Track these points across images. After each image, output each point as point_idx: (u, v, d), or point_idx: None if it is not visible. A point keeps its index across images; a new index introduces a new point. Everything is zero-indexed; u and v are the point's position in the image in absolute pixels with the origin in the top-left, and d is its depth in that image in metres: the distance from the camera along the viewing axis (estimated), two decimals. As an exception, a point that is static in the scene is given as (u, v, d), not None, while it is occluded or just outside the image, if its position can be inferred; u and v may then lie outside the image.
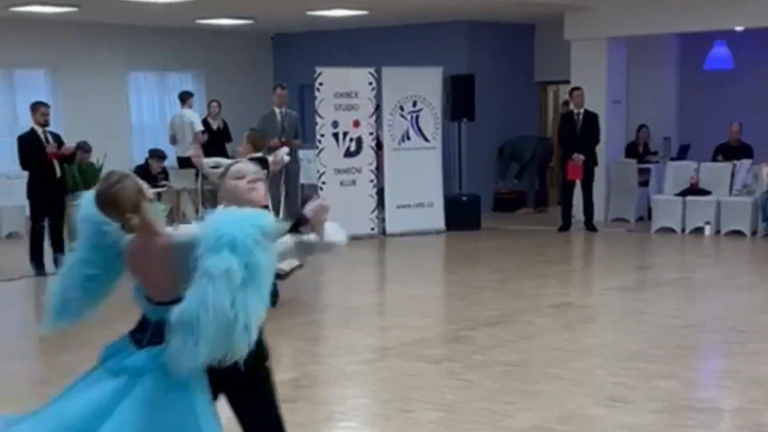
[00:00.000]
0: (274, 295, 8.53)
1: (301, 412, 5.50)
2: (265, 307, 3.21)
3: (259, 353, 3.43)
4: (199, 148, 9.22)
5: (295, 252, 3.66)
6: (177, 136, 14.19)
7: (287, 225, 3.43)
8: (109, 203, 3.28)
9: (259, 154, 8.78)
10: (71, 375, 6.35)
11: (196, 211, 12.28)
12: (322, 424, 5.39)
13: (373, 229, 13.61)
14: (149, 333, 3.36)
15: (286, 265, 8.60)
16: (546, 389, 5.94)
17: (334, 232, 3.63)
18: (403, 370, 6.49)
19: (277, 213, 9.17)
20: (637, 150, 14.93)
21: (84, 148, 11.61)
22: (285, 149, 9.05)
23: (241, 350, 3.11)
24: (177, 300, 3.16)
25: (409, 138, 13.90)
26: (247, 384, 3.45)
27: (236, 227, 3.19)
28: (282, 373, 6.32)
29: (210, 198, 10.31)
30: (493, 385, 6.04)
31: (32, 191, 10.69)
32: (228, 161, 8.55)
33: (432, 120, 13.97)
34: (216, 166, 8.37)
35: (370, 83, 13.55)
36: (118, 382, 3.27)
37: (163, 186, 11.94)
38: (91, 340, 7.34)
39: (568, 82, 14.84)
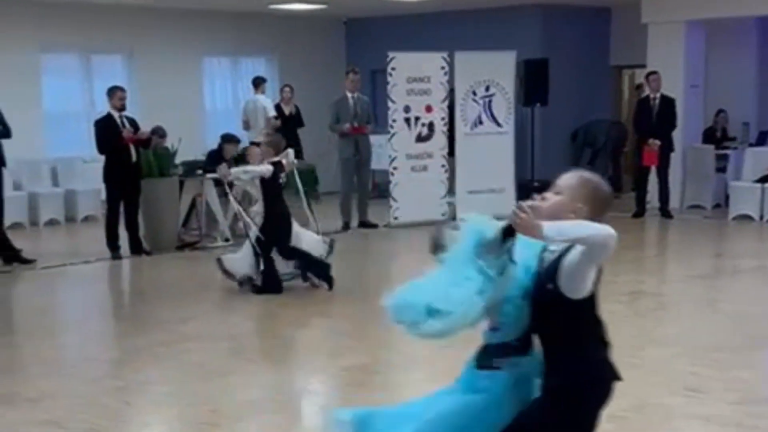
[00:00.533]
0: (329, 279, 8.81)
1: (374, 398, 5.50)
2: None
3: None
4: (226, 167, 9.44)
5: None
6: (250, 121, 14.27)
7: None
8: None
9: (278, 158, 8.98)
10: (144, 356, 6.48)
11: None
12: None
13: (443, 214, 13.56)
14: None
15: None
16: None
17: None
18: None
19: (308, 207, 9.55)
20: (715, 135, 14.64)
21: (159, 133, 11.73)
22: (291, 151, 9.30)
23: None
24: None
25: (481, 123, 13.80)
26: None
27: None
28: (355, 359, 6.35)
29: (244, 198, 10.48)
30: (566, 373, 5.97)
31: (108, 175, 10.85)
32: (255, 168, 8.82)
33: (505, 105, 13.86)
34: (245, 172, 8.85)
35: (443, 68, 13.49)
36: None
37: (236, 170, 12.01)
38: (162, 323, 7.49)
39: (644, 66, 14.60)
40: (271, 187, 8.76)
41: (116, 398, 5.56)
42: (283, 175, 8.94)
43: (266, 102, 14.24)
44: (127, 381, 5.94)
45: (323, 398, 5.65)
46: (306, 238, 9.03)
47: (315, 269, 8.88)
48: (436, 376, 6.04)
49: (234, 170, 9.06)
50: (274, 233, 8.71)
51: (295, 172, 9.52)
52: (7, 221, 11.26)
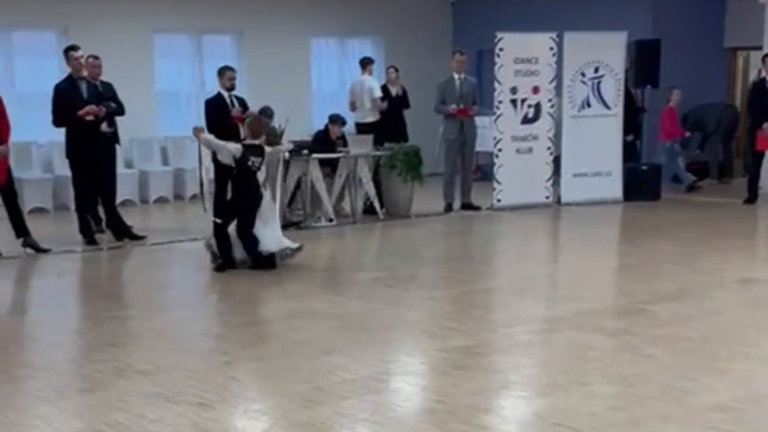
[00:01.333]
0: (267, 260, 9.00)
1: (476, 380, 5.50)
2: None
3: None
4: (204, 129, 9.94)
5: None
6: (356, 102, 14.34)
7: None
8: None
9: (257, 142, 9.21)
10: (250, 333, 6.58)
11: (373, 177, 12.40)
12: (497, 392, 5.36)
13: (548, 197, 13.45)
14: None
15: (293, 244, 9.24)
16: (732, 367, 5.71)
17: None
18: (579, 341, 6.38)
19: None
20: (833, 120, 14.13)
21: (266, 113, 11.85)
22: (287, 146, 9.95)
23: None
24: None
25: (589, 105, 13.62)
26: None
27: None
28: (456, 340, 6.36)
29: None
30: (675, 361, 5.86)
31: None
32: (221, 144, 9.25)
33: (614, 86, 13.63)
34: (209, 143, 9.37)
35: (551, 48, 13.33)
36: None
37: (340, 152, 12.09)
38: (267, 301, 7.60)
39: (760, 48, 14.17)
40: (240, 167, 9.04)
41: (223, 373, 5.67)
42: (258, 160, 9.09)
43: (373, 83, 14.26)
44: (234, 356, 6.05)
45: (425, 379, 5.65)
46: (268, 229, 9.16)
47: (249, 249, 9.05)
48: (539, 360, 6.02)
49: (207, 137, 9.43)
50: (231, 210, 9.08)
51: (280, 167, 9.75)
52: (119, 198, 11.57)
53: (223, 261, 8.98)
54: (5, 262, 9.68)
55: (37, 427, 4.77)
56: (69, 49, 10.60)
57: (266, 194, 9.18)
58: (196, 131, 9.53)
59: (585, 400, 5.09)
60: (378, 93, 13.99)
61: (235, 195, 9.15)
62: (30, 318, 7.68)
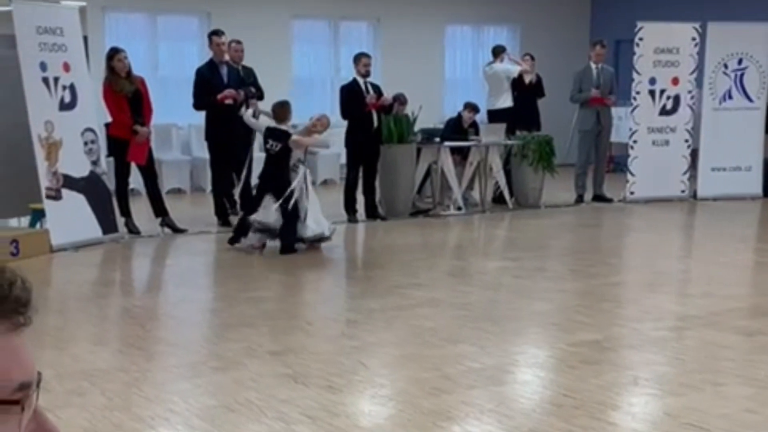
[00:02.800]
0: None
1: (605, 376, 5.43)
2: None
3: None
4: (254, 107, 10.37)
5: None
6: (490, 90, 14.19)
7: None
8: None
9: (282, 126, 9.23)
10: (378, 319, 6.65)
11: (504, 166, 12.34)
12: (626, 388, 5.28)
13: (683, 191, 13.12)
14: None
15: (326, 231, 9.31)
16: None
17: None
18: (713, 340, 6.22)
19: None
20: None
21: (401, 99, 11.93)
22: (327, 140, 9.93)
23: None
24: None
25: (731, 97, 13.21)
26: None
27: None
28: (585, 334, 6.28)
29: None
30: (813, 366, 5.66)
31: (350, 140, 11.16)
32: (252, 120, 9.82)
33: (758, 79, 13.19)
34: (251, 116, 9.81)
35: (694, 38, 12.98)
36: None
37: (472, 140, 12.06)
38: (395, 288, 7.65)
39: None
40: (265, 145, 9.35)
41: (351, 358, 5.75)
42: (276, 144, 9.12)
43: (507, 69, 13.99)
44: (362, 341, 6.13)
45: (553, 373, 5.61)
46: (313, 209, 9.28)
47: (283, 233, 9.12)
48: (670, 357, 5.89)
49: (247, 116, 9.92)
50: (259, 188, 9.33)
51: (302, 157, 9.43)
52: (253, 181, 11.80)
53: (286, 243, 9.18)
54: (143, 241, 10.02)
55: (173, 402, 4.93)
56: (213, 34, 10.86)
57: (296, 176, 9.15)
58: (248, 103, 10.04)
59: (718, 401, 4.96)
60: (514, 71, 13.65)
61: (263, 172, 9.40)
62: (166, 296, 7.95)
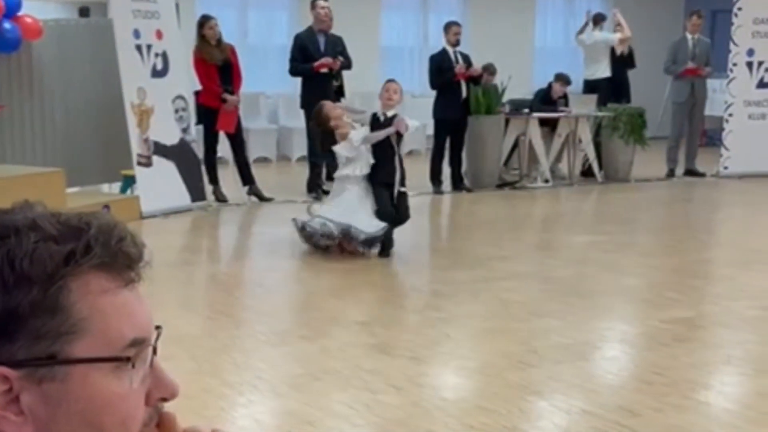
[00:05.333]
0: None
1: (696, 354, 5.31)
2: None
3: None
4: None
5: None
6: (588, 59, 13.87)
7: None
8: None
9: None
10: (464, 291, 6.61)
11: (593, 138, 12.14)
12: (719, 367, 5.16)
13: (780, 166, 12.75)
14: None
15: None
16: None
17: None
18: (810, 321, 6.04)
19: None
20: None
21: (490, 70, 11.80)
22: (411, 123, 7.79)
23: None
24: None
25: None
26: None
27: None
28: (676, 311, 6.16)
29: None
30: None
31: (438, 110, 11.08)
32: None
33: None
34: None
35: (795, 9, 12.55)
36: None
37: (561, 111, 11.87)
38: (481, 260, 7.60)
39: None
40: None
41: (438, 329, 5.72)
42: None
43: (606, 38, 13.60)
44: (449, 313, 6.09)
45: (643, 350, 5.51)
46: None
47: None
48: (764, 337, 5.74)
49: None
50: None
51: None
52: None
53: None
54: (231, 209, 10.12)
55: (261, 369, 4.97)
56: None
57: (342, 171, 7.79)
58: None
59: (814, 384, 4.82)
60: (614, 38, 13.29)
61: None
62: (253, 264, 8.02)
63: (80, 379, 1.01)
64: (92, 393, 1.01)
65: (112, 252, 1.04)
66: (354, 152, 7.60)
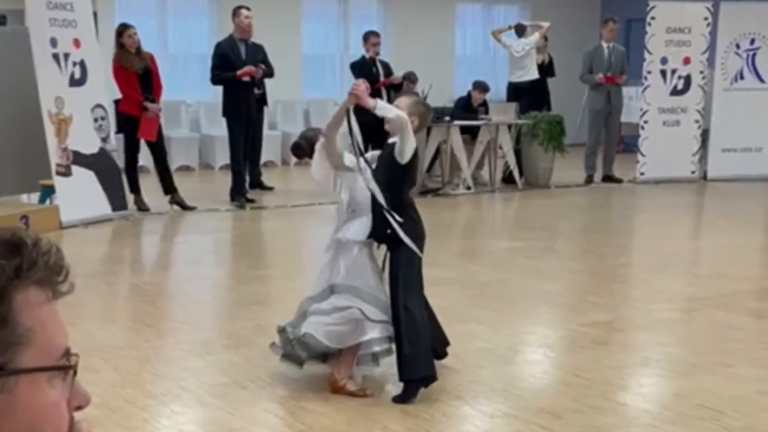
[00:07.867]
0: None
1: (615, 356, 5.43)
2: None
3: None
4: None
5: None
6: (516, 64, 13.86)
7: None
8: None
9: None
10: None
11: (515, 144, 12.30)
12: (636, 369, 5.28)
13: (693, 172, 13.08)
14: None
15: None
16: None
17: None
18: (724, 321, 6.20)
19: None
20: None
21: (410, 78, 11.88)
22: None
23: None
24: None
25: (742, 78, 13.14)
26: None
27: None
28: (595, 315, 6.28)
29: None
30: (824, 348, 5.65)
31: (359, 119, 11.09)
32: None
33: (770, 59, 13.11)
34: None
35: (706, 18, 12.89)
36: None
37: (481, 119, 12.01)
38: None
39: None
40: None
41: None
42: None
43: (529, 42, 13.64)
44: (372, 320, 6.11)
45: (563, 353, 5.61)
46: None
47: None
48: (680, 339, 5.89)
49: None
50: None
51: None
52: (262, 159, 11.83)
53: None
54: (152, 218, 10.02)
55: (185, 379, 4.94)
56: (240, 8, 10.70)
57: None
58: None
59: (728, 383, 4.96)
60: (535, 38, 13.37)
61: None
62: (176, 273, 7.96)
63: (26, 389, 1.02)
64: (36, 402, 1.03)
65: (50, 266, 1.07)
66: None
